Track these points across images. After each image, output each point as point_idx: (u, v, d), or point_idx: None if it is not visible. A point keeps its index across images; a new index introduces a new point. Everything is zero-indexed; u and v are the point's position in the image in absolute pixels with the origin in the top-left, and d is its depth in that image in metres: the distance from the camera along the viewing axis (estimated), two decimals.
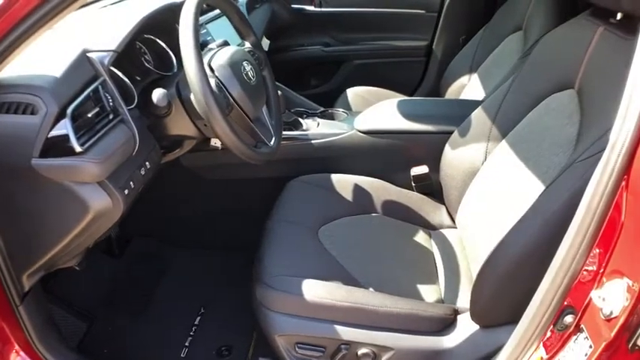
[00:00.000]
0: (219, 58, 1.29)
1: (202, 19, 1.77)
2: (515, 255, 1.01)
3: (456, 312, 1.23)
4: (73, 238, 1.08)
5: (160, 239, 1.96)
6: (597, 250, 0.81)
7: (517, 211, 1.11)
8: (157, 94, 1.23)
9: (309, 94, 2.42)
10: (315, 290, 1.19)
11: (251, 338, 1.61)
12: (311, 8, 2.79)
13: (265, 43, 2.74)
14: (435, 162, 1.60)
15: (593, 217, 0.79)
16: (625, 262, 0.78)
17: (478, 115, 1.47)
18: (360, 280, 1.28)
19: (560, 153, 1.09)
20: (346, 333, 1.17)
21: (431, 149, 1.63)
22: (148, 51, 1.41)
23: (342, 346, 1.18)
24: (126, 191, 1.12)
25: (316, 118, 1.87)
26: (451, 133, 1.55)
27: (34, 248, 1.10)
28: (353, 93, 2.38)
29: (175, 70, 1.39)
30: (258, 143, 1.35)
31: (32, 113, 1.00)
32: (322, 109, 2.04)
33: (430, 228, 1.58)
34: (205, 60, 1.27)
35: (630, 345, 0.79)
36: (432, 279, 1.36)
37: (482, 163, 1.41)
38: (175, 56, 1.39)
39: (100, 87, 1.10)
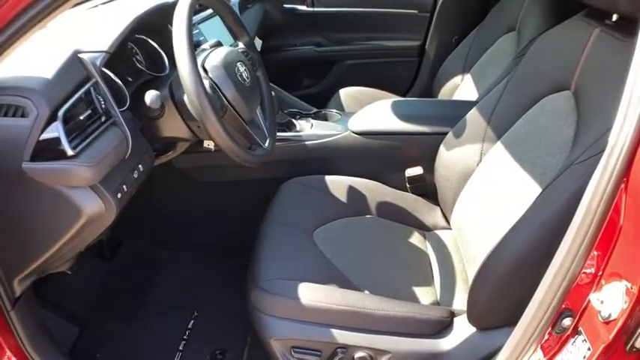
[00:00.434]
0: (213, 59, 1.28)
1: (194, 19, 1.75)
2: (513, 257, 1.01)
3: (453, 314, 1.22)
4: (65, 242, 1.06)
5: (152, 242, 1.94)
6: (596, 253, 0.81)
7: (513, 213, 1.11)
8: (150, 96, 1.21)
9: (301, 94, 2.41)
10: (311, 294, 1.18)
11: (245, 342, 1.60)
12: (303, 8, 2.77)
13: (257, 43, 2.72)
14: (429, 163, 1.60)
15: (592, 220, 0.78)
16: (624, 265, 0.78)
17: (473, 116, 1.47)
18: (356, 283, 1.27)
19: (557, 154, 1.09)
20: (342, 336, 1.16)
21: (425, 150, 1.63)
22: (140, 51, 1.39)
23: (339, 350, 1.17)
24: (119, 195, 1.10)
25: (310, 119, 1.86)
26: (446, 134, 1.55)
27: (25, 253, 1.08)
28: (345, 93, 2.37)
29: (167, 70, 1.38)
30: (253, 145, 1.34)
31: (23, 116, 0.98)
32: (315, 109, 2.03)
33: (425, 229, 1.58)
34: (199, 61, 1.26)
35: (628, 347, 0.79)
36: (428, 281, 1.36)
37: (478, 164, 1.41)
38: (167, 57, 1.38)
39: (91, 89, 1.09)
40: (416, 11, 2.69)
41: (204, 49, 1.36)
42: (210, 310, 1.72)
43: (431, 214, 1.62)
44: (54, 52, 1.10)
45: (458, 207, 1.44)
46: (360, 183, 1.65)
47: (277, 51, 2.77)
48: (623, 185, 0.76)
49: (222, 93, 1.24)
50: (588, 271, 0.83)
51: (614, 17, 1.09)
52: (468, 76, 2.11)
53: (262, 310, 1.19)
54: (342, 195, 1.60)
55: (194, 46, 1.17)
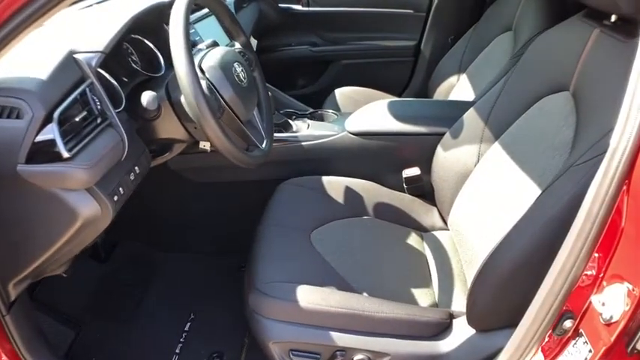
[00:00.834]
0: (210, 60, 1.26)
1: (190, 18, 1.74)
2: (513, 259, 1.01)
3: (452, 316, 1.22)
4: (61, 246, 1.05)
5: (148, 243, 1.92)
6: (597, 255, 0.81)
7: (512, 214, 1.11)
8: (147, 97, 1.19)
9: (296, 94, 2.40)
10: (310, 296, 1.17)
11: (243, 344, 1.59)
12: (299, 7, 2.76)
13: (252, 42, 2.71)
14: (426, 164, 1.60)
15: (594, 222, 0.78)
16: (625, 267, 0.78)
17: (470, 117, 1.46)
18: (354, 285, 1.27)
19: (557, 156, 1.09)
20: (341, 339, 1.16)
21: (423, 151, 1.62)
22: (135, 51, 1.37)
23: (338, 353, 1.16)
24: (115, 197, 1.09)
25: (306, 119, 1.86)
26: (443, 134, 1.55)
27: (20, 257, 1.07)
28: (341, 93, 2.36)
29: (163, 71, 1.36)
30: (250, 146, 1.33)
31: (17, 117, 0.96)
32: (311, 110, 2.02)
33: (422, 230, 1.57)
34: (195, 61, 1.25)
35: (629, 349, 0.79)
36: (426, 282, 1.35)
37: (475, 165, 1.41)
38: (163, 57, 1.36)
39: (87, 90, 1.07)
40: (411, 11, 2.69)
41: (200, 50, 1.35)
42: (206, 312, 1.71)
43: (428, 215, 1.61)
44: (49, 52, 1.09)
45: (455, 208, 1.44)
46: (357, 184, 1.64)
47: (272, 51, 2.76)
48: (625, 187, 0.76)
49: (219, 94, 1.23)
50: (589, 273, 0.83)
51: (613, 18, 1.08)
52: (463, 76, 2.11)
53: (261, 313, 1.18)
54: (339, 196, 1.59)
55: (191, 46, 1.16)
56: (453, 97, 2.13)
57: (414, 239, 1.51)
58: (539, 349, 0.91)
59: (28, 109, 0.96)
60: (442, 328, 1.20)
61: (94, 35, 1.17)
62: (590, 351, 0.82)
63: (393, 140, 1.69)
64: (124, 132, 1.11)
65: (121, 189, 1.12)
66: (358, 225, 1.51)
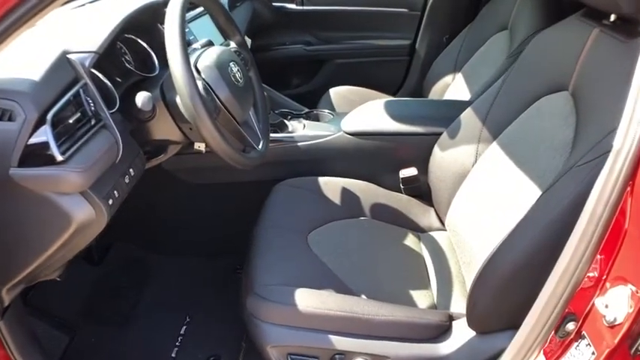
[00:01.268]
0: (206, 59, 1.25)
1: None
2: (514, 260, 1.00)
3: (451, 318, 1.21)
4: (55, 251, 1.03)
5: (142, 245, 1.90)
6: (600, 256, 0.81)
7: (511, 215, 1.10)
8: (142, 98, 1.17)
9: (290, 93, 2.39)
10: (308, 300, 1.16)
11: (240, 348, 1.57)
12: (293, 6, 2.75)
13: (247, 42, 2.69)
14: (424, 164, 1.59)
15: (597, 224, 0.78)
16: (629, 269, 0.77)
17: (468, 116, 1.45)
18: (352, 287, 1.26)
19: (557, 156, 1.08)
20: (340, 342, 1.14)
21: (420, 151, 1.62)
22: (129, 51, 1.35)
23: (337, 356, 1.15)
24: (110, 201, 1.07)
25: (302, 119, 1.84)
26: (440, 134, 1.54)
27: (13, 262, 1.04)
28: (335, 93, 2.35)
29: (157, 71, 1.34)
30: (247, 147, 1.31)
31: (10, 119, 0.94)
32: (307, 109, 2.01)
33: (419, 231, 1.57)
34: (191, 61, 1.23)
35: (632, 351, 0.78)
36: (424, 284, 1.35)
37: (473, 165, 1.40)
38: (157, 57, 1.34)
39: (81, 91, 1.05)
40: (406, 10, 2.68)
41: (195, 49, 1.33)
42: (203, 314, 1.69)
43: (425, 216, 1.60)
44: (42, 53, 1.06)
45: (453, 208, 1.43)
46: (354, 184, 1.63)
47: (266, 50, 2.74)
48: (629, 188, 0.76)
49: (215, 94, 1.22)
50: (592, 274, 0.82)
51: (612, 17, 1.08)
52: (459, 76, 2.11)
53: (258, 317, 1.17)
54: (335, 197, 1.58)
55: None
56: (448, 96, 2.12)
57: (411, 240, 1.50)
58: (542, 351, 0.90)
59: (21, 111, 0.94)
60: (442, 331, 1.19)
61: (87, 35, 1.15)
62: (593, 353, 0.81)
63: (389, 140, 1.68)
64: (118, 134, 1.09)
65: (115, 192, 1.10)
66: (355, 226, 1.50)
